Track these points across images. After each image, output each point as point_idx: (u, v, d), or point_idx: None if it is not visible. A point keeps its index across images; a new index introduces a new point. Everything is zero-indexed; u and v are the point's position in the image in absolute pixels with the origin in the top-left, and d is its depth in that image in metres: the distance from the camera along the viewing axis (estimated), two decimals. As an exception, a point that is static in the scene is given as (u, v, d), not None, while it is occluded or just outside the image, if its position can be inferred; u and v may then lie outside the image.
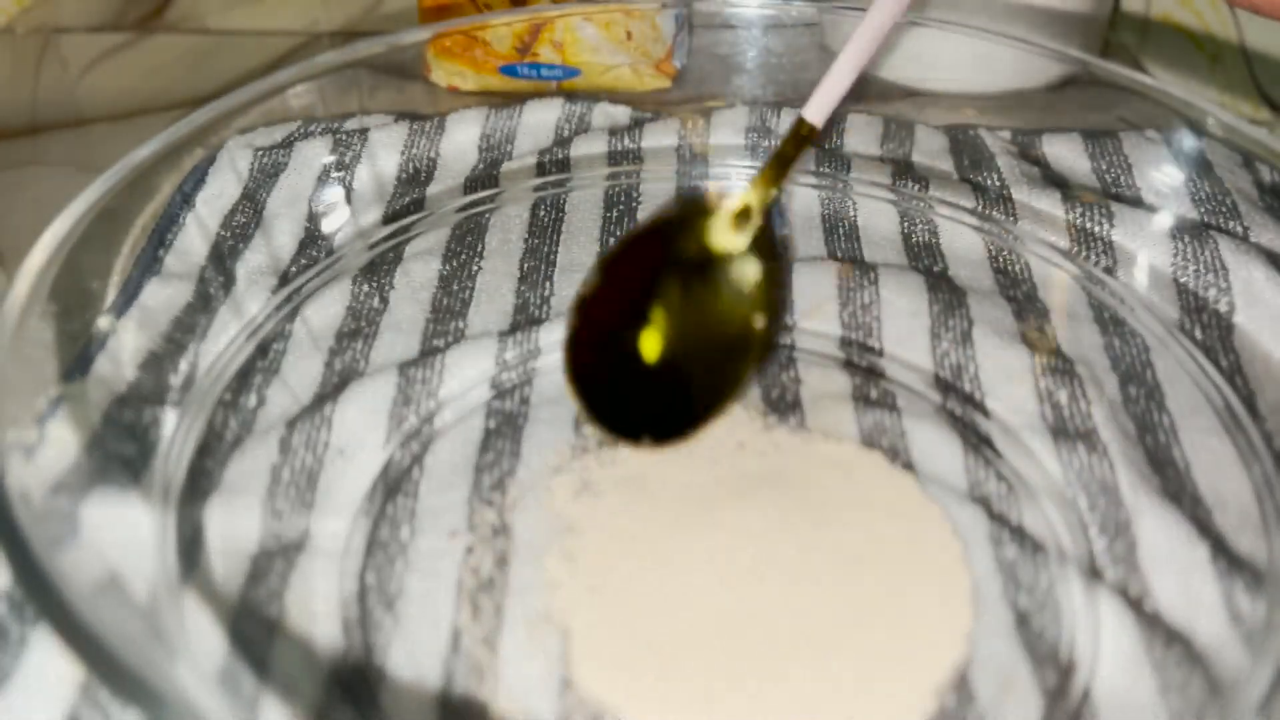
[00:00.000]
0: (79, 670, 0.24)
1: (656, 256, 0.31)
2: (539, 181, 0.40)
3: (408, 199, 0.39)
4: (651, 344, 0.31)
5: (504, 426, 0.31)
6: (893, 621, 0.26)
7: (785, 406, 0.32)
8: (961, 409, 0.32)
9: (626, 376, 0.31)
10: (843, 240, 0.38)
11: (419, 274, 0.36)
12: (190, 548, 0.27)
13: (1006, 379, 0.32)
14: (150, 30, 0.52)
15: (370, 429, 0.31)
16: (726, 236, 0.31)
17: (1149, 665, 0.25)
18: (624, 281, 0.31)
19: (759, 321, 0.30)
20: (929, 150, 0.41)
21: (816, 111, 0.30)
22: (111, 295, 0.31)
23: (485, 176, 0.40)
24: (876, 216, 0.38)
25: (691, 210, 0.31)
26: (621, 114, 0.42)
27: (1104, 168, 0.39)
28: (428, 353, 0.33)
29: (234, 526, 0.28)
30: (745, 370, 0.31)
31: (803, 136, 0.31)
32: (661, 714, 0.24)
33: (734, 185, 0.40)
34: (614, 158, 0.40)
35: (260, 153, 0.38)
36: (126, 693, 0.19)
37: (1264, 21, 0.45)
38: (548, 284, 0.36)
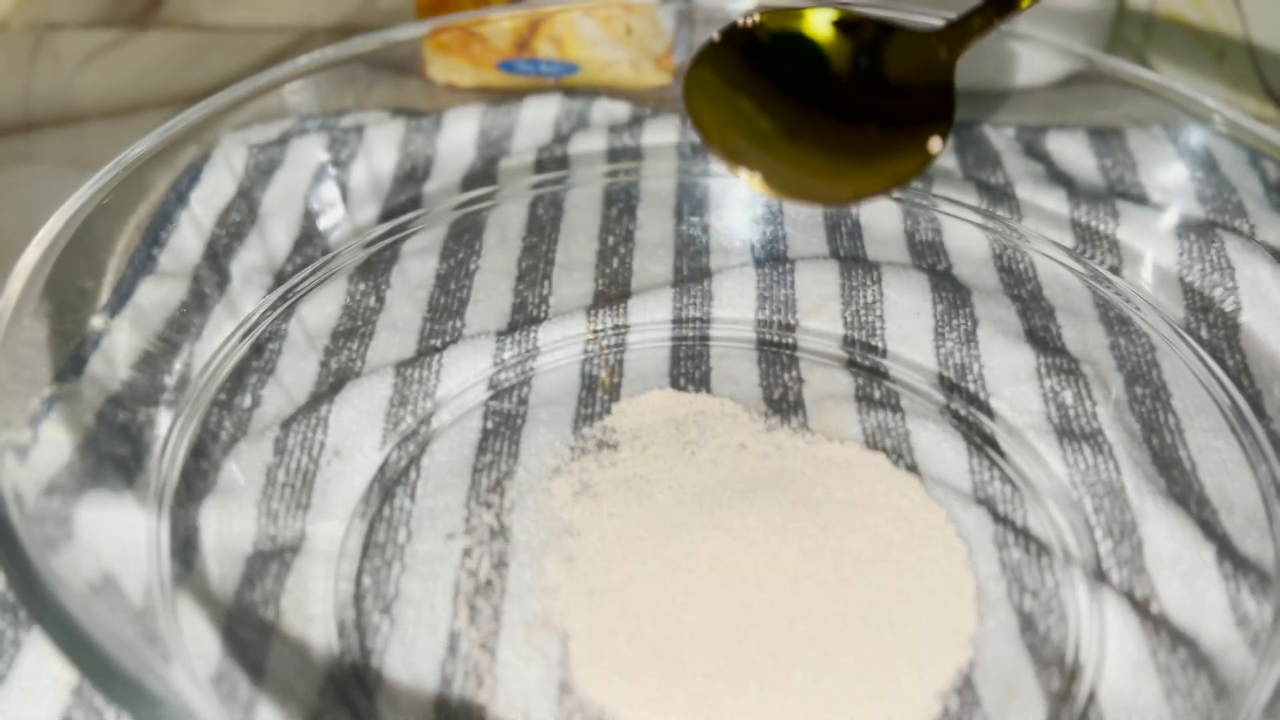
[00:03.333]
0: (73, 673, 0.24)
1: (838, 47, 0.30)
2: (537, 179, 0.39)
3: (404, 197, 0.38)
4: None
5: (502, 427, 0.31)
6: (896, 624, 0.26)
7: (787, 407, 0.32)
8: (966, 409, 0.32)
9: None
10: (845, 238, 0.37)
11: (416, 273, 0.36)
12: (185, 550, 0.27)
13: (1011, 379, 0.32)
14: (144, 26, 0.52)
15: (366, 430, 0.31)
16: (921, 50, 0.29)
17: (1155, 668, 0.25)
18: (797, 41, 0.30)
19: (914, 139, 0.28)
20: (931, 147, 0.41)
21: None
22: (105, 294, 0.31)
23: (483, 174, 0.40)
24: (879, 214, 0.38)
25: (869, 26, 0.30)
26: (621, 110, 0.42)
27: (1109, 165, 0.39)
28: (424, 352, 0.33)
29: (229, 528, 0.28)
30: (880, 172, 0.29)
31: None
32: (662, 718, 0.24)
33: (737, 183, 0.40)
34: (613, 155, 0.40)
35: (255, 150, 0.38)
36: (121, 696, 0.19)
37: (1270, 17, 0.44)
38: (546, 283, 0.36)
